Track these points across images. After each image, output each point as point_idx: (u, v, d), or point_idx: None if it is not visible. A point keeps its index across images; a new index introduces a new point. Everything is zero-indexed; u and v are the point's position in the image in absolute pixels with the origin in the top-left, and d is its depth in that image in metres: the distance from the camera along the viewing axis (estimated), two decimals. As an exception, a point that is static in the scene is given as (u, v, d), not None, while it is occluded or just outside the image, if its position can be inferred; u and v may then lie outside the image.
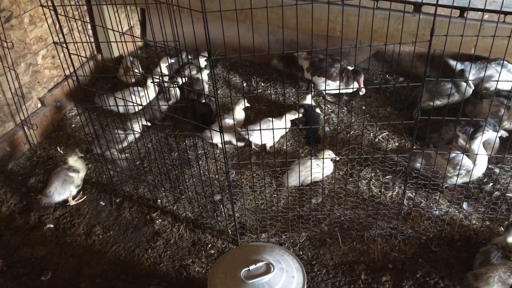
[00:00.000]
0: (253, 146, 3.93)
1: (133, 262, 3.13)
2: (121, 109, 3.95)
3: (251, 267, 2.35)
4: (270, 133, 3.64)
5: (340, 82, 4.09)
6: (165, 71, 4.51)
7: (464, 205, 3.33)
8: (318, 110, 4.12)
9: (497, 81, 2.90)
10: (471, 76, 3.96)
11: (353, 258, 3.07)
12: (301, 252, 3.12)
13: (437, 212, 3.28)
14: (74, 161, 3.55)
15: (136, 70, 4.58)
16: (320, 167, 3.45)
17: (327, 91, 4.43)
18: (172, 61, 4.60)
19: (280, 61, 4.65)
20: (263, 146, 3.94)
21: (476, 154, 3.10)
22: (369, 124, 4.15)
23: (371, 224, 3.22)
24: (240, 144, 3.96)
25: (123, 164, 3.68)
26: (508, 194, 3.39)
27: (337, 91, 4.36)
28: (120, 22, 3.66)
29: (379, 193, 3.47)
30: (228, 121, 3.90)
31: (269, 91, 4.63)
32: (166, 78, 4.42)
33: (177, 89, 4.24)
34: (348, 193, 3.50)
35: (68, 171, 3.48)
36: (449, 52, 4.26)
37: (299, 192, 3.48)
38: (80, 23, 4.19)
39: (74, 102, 4.47)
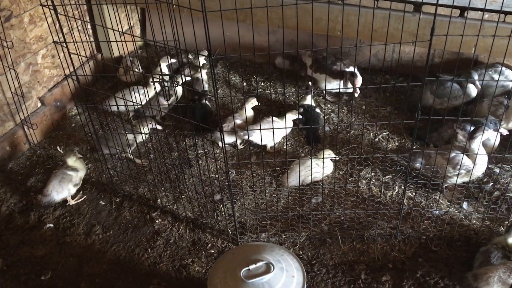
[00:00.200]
0: (253, 141, 3.91)
1: (133, 261, 3.13)
2: (122, 108, 3.96)
3: (251, 267, 2.35)
4: (270, 133, 3.64)
5: (340, 81, 4.11)
6: (165, 70, 4.51)
7: (464, 205, 3.33)
8: (318, 110, 4.12)
9: (497, 81, 2.90)
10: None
11: (353, 257, 3.07)
12: (301, 252, 3.12)
13: (437, 211, 3.28)
14: (73, 161, 3.55)
15: (136, 70, 4.58)
16: (320, 167, 3.45)
17: (327, 91, 4.44)
18: (173, 60, 4.60)
19: (285, 59, 4.67)
20: (264, 146, 3.94)
21: (476, 154, 3.10)
22: (369, 123, 4.15)
23: (371, 224, 3.22)
24: (240, 146, 3.97)
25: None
26: (508, 194, 3.39)
27: (337, 91, 4.37)
28: (120, 21, 3.66)
29: (379, 193, 3.47)
30: (237, 120, 3.92)
31: (269, 91, 4.63)
32: (166, 78, 4.42)
33: (179, 88, 4.24)
34: (348, 192, 3.50)
35: (67, 170, 3.48)
36: (449, 52, 4.26)
37: (299, 191, 3.48)
38: (80, 22, 4.19)
39: (74, 101, 4.47)
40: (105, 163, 3.61)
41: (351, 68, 4.15)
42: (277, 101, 4.52)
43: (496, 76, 3.90)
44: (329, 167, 3.57)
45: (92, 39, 4.81)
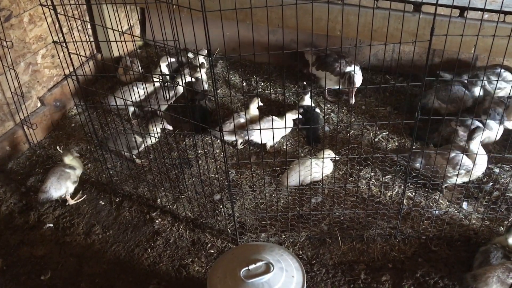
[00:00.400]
0: (253, 140, 3.92)
1: (133, 261, 3.13)
2: (123, 105, 4.00)
3: (251, 267, 2.35)
4: (270, 131, 3.64)
5: (340, 80, 4.13)
6: (165, 70, 4.51)
7: (464, 205, 3.33)
8: (317, 110, 4.12)
9: (497, 80, 2.90)
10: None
11: (352, 257, 3.07)
12: (300, 252, 3.12)
13: (436, 211, 3.28)
14: (69, 160, 3.56)
15: (136, 70, 4.58)
16: (320, 167, 3.45)
17: (327, 90, 4.44)
18: (172, 60, 4.60)
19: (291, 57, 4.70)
20: (263, 145, 3.94)
21: (476, 154, 3.10)
22: (368, 123, 4.15)
23: (371, 224, 3.22)
24: (240, 146, 3.97)
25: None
26: (507, 194, 3.39)
27: (337, 90, 4.37)
28: (119, 21, 3.66)
29: (379, 193, 3.47)
30: (242, 119, 3.94)
31: (269, 91, 4.63)
32: (166, 78, 4.42)
33: (180, 88, 4.25)
34: (347, 192, 3.50)
35: (64, 167, 3.49)
36: (449, 51, 4.26)
37: (298, 191, 3.48)
38: (79, 22, 4.19)
39: (74, 101, 4.47)
40: (104, 163, 3.61)
41: (352, 68, 4.16)
42: (277, 100, 4.52)
43: (493, 78, 3.92)
44: (328, 167, 3.57)
45: (91, 39, 4.81)
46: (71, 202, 3.53)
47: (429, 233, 3.15)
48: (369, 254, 3.08)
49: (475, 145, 3.18)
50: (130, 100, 3.79)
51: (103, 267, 3.10)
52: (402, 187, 3.28)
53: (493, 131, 3.45)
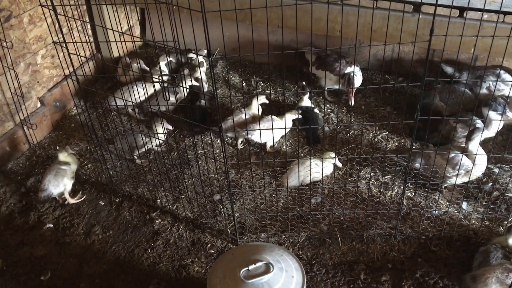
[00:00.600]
0: (253, 140, 3.92)
1: (133, 261, 3.13)
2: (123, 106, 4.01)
3: (251, 267, 2.36)
4: (270, 131, 3.64)
5: (340, 80, 4.13)
6: (164, 68, 4.51)
7: (464, 205, 3.33)
8: (316, 110, 4.12)
9: (496, 81, 2.90)
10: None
11: (352, 257, 3.07)
12: (300, 252, 3.12)
13: (436, 212, 3.28)
14: (64, 156, 3.58)
15: (135, 70, 4.58)
16: (320, 167, 3.45)
17: (326, 90, 4.44)
18: (171, 59, 4.60)
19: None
20: (263, 145, 3.94)
21: (476, 154, 3.10)
22: (368, 124, 4.15)
23: (371, 224, 3.22)
24: (240, 146, 3.97)
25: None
26: (507, 194, 3.39)
27: (337, 90, 4.37)
28: (119, 22, 3.66)
29: (379, 193, 3.47)
30: (243, 115, 3.96)
31: (269, 91, 4.63)
32: (166, 78, 4.43)
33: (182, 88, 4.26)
34: (347, 193, 3.50)
35: (59, 164, 3.51)
36: (448, 52, 4.26)
37: (298, 192, 3.48)
38: (79, 22, 4.19)
39: (74, 101, 4.47)
40: (104, 163, 3.61)
41: (352, 68, 4.16)
42: (276, 101, 4.52)
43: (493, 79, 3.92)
44: (328, 167, 3.56)
45: (91, 40, 4.82)
46: (71, 201, 3.53)
47: (428, 233, 3.15)
48: (369, 254, 3.08)
49: (474, 145, 3.18)
50: (130, 100, 3.79)
51: (103, 267, 3.10)
52: (402, 187, 3.28)
53: (494, 125, 3.44)
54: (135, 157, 3.78)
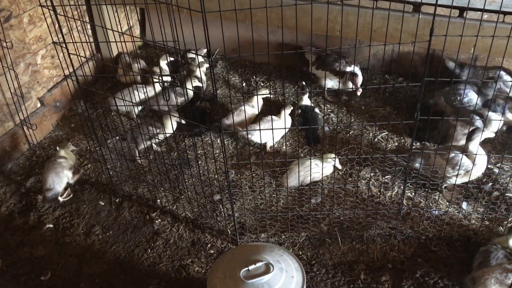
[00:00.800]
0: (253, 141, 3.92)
1: (133, 262, 3.13)
2: (127, 108, 4.03)
3: (251, 267, 2.36)
4: (270, 131, 3.65)
5: (340, 79, 4.14)
6: (166, 68, 4.52)
7: (464, 205, 3.33)
8: (317, 110, 4.12)
9: (496, 81, 2.90)
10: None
11: (352, 258, 3.07)
12: (300, 252, 3.12)
13: (436, 212, 3.28)
14: (64, 152, 3.62)
15: (135, 70, 4.58)
16: (320, 167, 3.45)
17: (326, 90, 4.45)
18: (171, 59, 4.60)
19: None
20: (263, 145, 3.94)
21: (476, 154, 3.10)
22: (368, 124, 4.15)
23: (371, 224, 3.22)
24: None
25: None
26: (507, 194, 3.39)
27: (337, 90, 4.37)
28: (119, 22, 3.66)
29: (379, 193, 3.47)
30: (248, 109, 3.98)
31: (269, 91, 4.62)
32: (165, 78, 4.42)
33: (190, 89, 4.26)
34: (347, 193, 3.50)
35: (56, 159, 3.55)
36: (448, 52, 4.26)
37: (298, 192, 3.48)
38: (79, 23, 4.19)
39: (74, 102, 4.47)
40: (104, 163, 3.61)
41: (352, 68, 4.17)
42: (276, 101, 4.52)
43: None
44: (328, 168, 3.57)
45: (91, 40, 4.81)
46: (60, 199, 3.53)
47: (428, 233, 3.15)
48: (369, 254, 3.08)
49: (474, 145, 3.18)
50: (130, 100, 3.79)
51: (103, 267, 3.10)
52: (402, 187, 3.28)
53: (494, 124, 3.44)
54: (138, 157, 3.79)
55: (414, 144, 3.82)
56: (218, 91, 4.68)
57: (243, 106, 4.03)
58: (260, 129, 3.25)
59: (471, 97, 3.66)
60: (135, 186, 3.63)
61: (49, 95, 4.30)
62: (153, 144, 3.88)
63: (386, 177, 3.60)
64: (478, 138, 3.16)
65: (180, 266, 3.08)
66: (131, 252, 3.19)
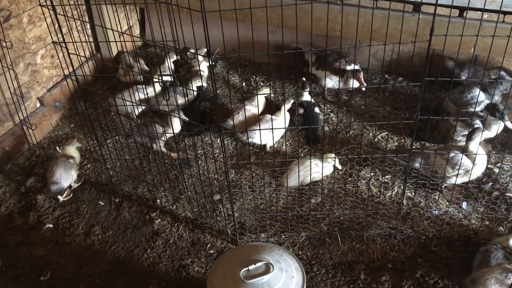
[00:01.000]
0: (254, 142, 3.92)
1: (133, 262, 3.12)
2: (129, 109, 4.03)
3: (251, 267, 2.35)
4: (270, 132, 3.64)
5: (340, 78, 4.14)
6: (171, 67, 4.53)
7: (464, 205, 3.33)
8: (317, 110, 4.12)
9: (496, 80, 2.90)
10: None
11: (352, 257, 3.07)
12: (300, 252, 3.12)
13: (436, 212, 3.28)
14: (71, 150, 3.65)
15: (135, 70, 4.58)
16: (320, 167, 3.45)
17: (326, 90, 4.44)
18: (176, 57, 4.61)
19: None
20: (263, 145, 3.94)
21: (476, 154, 3.10)
22: (368, 124, 4.15)
23: (371, 224, 3.22)
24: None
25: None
26: (507, 194, 3.39)
27: (337, 90, 4.37)
28: (119, 21, 3.66)
29: (379, 193, 3.47)
30: (250, 108, 3.98)
31: (269, 91, 4.62)
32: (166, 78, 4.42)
33: (194, 88, 4.26)
34: (347, 193, 3.50)
35: (65, 158, 3.58)
36: (448, 51, 4.27)
37: (298, 192, 3.48)
38: (79, 22, 4.18)
39: (73, 101, 4.47)
40: (104, 163, 3.61)
41: (352, 66, 4.16)
42: (276, 101, 4.52)
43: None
44: (328, 168, 3.56)
45: (91, 39, 4.81)
46: (60, 199, 3.53)
47: (428, 233, 3.15)
48: (369, 254, 3.08)
49: (474, 145, 3.18)
50: (130, 100, 3.78)
51: (102, 267, 3.10)
52: (402, 187, 3.28)
53: (493, 127, 3.45)
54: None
55: (414, 144, 3.82)
56: (218, 91, 4.68)
57: (246, 106, 4.02)
58: (260, 129, 3.24)
59: (476, 93, 3.67)
60: (135, 186, 3.63)
61: (48, 95, 4.30)
62: (161, 147, 3.87)
63: (386, 177, 3.60)
64: (478, 138, 3.16)
65: (180, 266, 3.08)
66: (131, 252, 3.19)
